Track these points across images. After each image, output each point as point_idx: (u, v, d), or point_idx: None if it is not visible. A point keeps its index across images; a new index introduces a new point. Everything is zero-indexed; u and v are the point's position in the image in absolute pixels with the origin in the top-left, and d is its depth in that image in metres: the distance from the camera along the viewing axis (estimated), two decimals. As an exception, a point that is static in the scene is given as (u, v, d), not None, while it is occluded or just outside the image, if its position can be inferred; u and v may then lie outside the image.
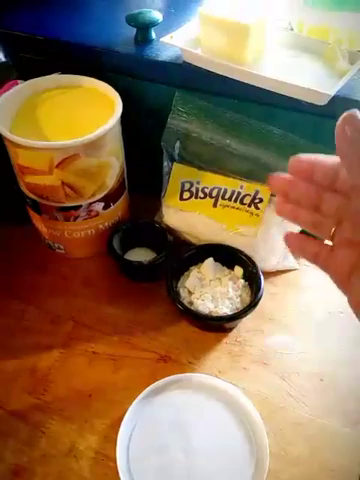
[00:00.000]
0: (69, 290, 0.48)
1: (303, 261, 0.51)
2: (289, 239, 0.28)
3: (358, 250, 0.25)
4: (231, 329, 0.45)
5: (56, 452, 0.38)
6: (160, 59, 0.44)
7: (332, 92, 0.38)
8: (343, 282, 0.26)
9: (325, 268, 0.27)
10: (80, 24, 0.49)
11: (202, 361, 0.43)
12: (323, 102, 0.39)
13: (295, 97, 0.40)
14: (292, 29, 0.46)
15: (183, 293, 0.46)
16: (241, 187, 0.47)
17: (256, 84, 0.41)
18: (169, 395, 0.40)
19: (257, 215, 0.47)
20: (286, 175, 0.26)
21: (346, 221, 0.25)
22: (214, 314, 0.43)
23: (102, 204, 0.46)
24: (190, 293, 0.46)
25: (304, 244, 0.27)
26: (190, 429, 0.38)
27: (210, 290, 0.45)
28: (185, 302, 0.44)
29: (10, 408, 0.40)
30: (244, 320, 0.45)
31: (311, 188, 0.25)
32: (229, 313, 0.43)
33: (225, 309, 0.44)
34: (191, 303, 0.44)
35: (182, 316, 0.45)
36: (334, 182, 0.25)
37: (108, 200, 0.47)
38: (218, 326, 0.45)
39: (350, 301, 0.25)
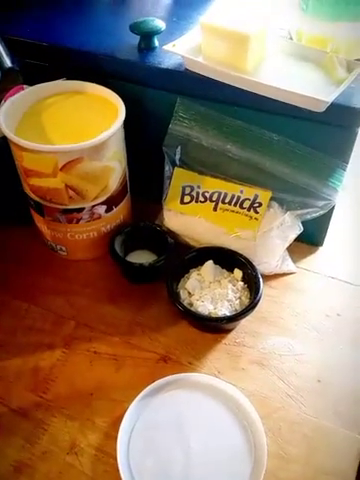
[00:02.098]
0: (71, 291, 0.49)
1: (301, 265, 0.52)
2: None
3: None
4: (230, 330, 0.46)
5: (57, 449, 0.38)
6: (163, 66, 0.45)
7: (330, 99, 0.39)
8: None
9: None
10: (85, 31, 0.51)
11: (202, 361, 0.44)
12: (321, 109, 0.40)
13: (294, 104, 0.41)
14: (291, 38, 0.47)
15: (183, 295, 0.46)
16: (241, 191, 0.48)
17: (256, 91, 0.42)
18: (169, 394, 0.41)
19: (256, 219, 0.48)
20: None
21: None
22: (213, 315, 0.44)
23: (104, 207, 0.47)
24: (190, 295, 0.46)
25: None
26: (189, 428, 0.39)
27: (210, 292, 0.46)
28: (185, 303, 0.45)
29: (13, 406, 0.41)
30: (243, 322, 0.46)
31: None
32: (228, 314, 0.44)
33: (224, 310, 0.44)
34: (191, 304, 0.45)
35: (182, 317, 0.46)
36: None
37: (110, 203, 0.48)
38: (217, 327, 0.46)
39: None
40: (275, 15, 0.47)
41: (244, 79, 0.41)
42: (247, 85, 0.42)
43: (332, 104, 0.40)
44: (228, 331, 0.46)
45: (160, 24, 0.45)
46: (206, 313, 0.44)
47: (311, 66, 0.44)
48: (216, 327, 0.46)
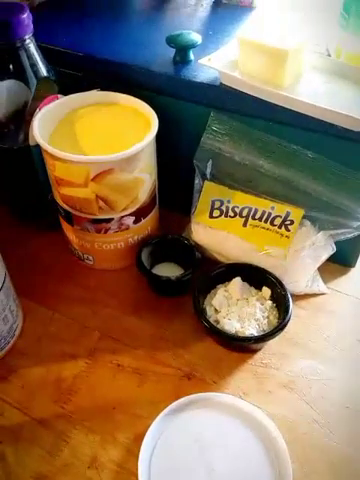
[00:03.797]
0: (96, 301, 0.49)
1: (332, 285, 0.51)
2: None
3: None
4: (257, 351, 0.45)
5: (78, 462, 0.38)
6: (198, 80, 0.44)
7: (369, 118, 0.38)
8: None
9: None
10: (120, 42, 0.51)
11: (226, 381, 0.43)
12: (359, 128, 0.39)
13: (331, 122, 0.40)
14: (329, 55, 0.46)
15: (209, 311, 0.46)
16: (272, 208, 0.47)
17: (293, 108, 0.41)
18: (192, 413, 0.40)
19: (287, 237, 0.47)
20: None
21: None
22: (240, 334, 0.43)
23: (133, 218, 0.47)
24: (216, 311, 0.46)
25: None
26: (212, 450, 0.38)
27: (237, 309, 0.45)
28: (211, 320, 0.44)
29: (34, 415, 0.40)
30: (270, 342, 0.45)
31: None
32: (256, 334, 0.43)
33: (252, 330, 0.43)
34: (217, 321, 0.44)
35: (207, 334, 0.45)
36: None
37: (139, 214, 0.48)
38: (244, 347, 0.45)
39: None
40: (313, 31, 0.46)
41: (281, 95, 0.40)
42: (284, 101, 0.41)
43: (371, 122, 0.39)
44: (255, 351, 0.45)
45: (196, 38, 0.45)
46: (233, 331, 0.43)
47: (349, 84, 0.43)
48: (243, 347, 0.45)
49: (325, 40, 0.48)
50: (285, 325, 0.43)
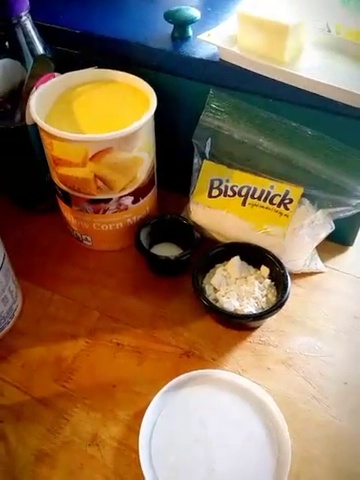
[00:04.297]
0: (95, 281, 0.49)
1: (330, 264, 0.51)
2: None
3: None
4: (255, 328, 0.45)
5: (79, 440, 0.38)
6: (196, 56, 0.44)
7: (370, 94, 0.38)
8: None
9: None
10: (117, 19, 0.50)
11: (225, 358, 0.43)
12: (360, 104, 0.39)
13: (333, 98, 0.40)
14: (330, 31, 0.46)
15: (208, 290, 0.46)
16: (271, 187, 0.47)
17: (294, 84, 0.41)
18: (192, 390, 0.40)
19: (286, 216, 0.47)
20: None
21: None
22: (239, 312, 0.43)
23: (131, 198, 0.47)
24: (215, 290, 0.46)
25: None
26: (212, 425, 0.38)
27: (236, 288, 0.45)
28: (210, 299, 0.44)
29: (35, 394, 0.41)
30: (268, 320, 0.45)
31: None
32: (254, 312, 0.43)
33: (250, 308, 0.44)
34: (216, 300, 0.45)
35: (206, 312, 0.46)
36: None
37: (138, 194, 0.47)
38: (242, 324, 0.45)
39: None
40: (314, 7, 0.46)
41: (282, 71, 0.40)
42: (285, 77, 0.40)
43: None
44: (253, 329, 0.45)
45: (195, 13, 0.44)
46: (232, 310, 0.43)
47: (350, 60, 0.42)
48: (241, 324, 0.45)
49: (325, 16, 0.47)
50: (283, 303, 0.43)
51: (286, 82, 0.41)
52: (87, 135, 0.41)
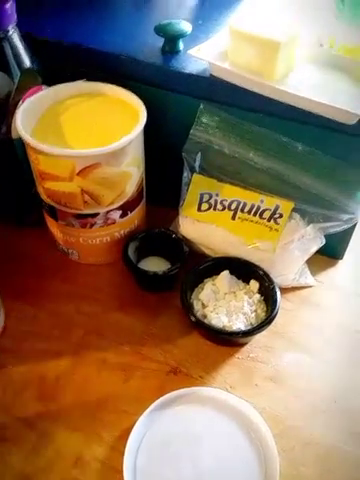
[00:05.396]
0: (81, 296, 0.48)
1: (320, 278, 0.50)
2: None
3: None
4: (244, 344, 0.45)
5: (63, 461, 0.37)
6: (187, 71, 0.43)
7: (360, 112, 0.38)
8: None
9: None
10: (107, 32, 0.49)
11: (213, 375, 0.42)
12: (352, 122, 0.39)
13: (323, 115, 0.39)
14: (322, 45, 0.45)
15: (197, 305, 0.45)
16: (261, 201, 0.47)
17: (284, 100, 0.40)
18: (179, 408, 0.39)
19: (276, 230, 0.47)
20: None
21: None
22: (228, 329, 0.43)
23: (120, 212, 0.46)
24: (204, 306, 0.45)
25: None
26: (199, 445, 0.38)
27: (225, 304, 0.45)
28: (199, 315, 0.44)
29: (18, 414, 0.40)
30: (257, 336, 0.45)
31: None
32: (243, 328, 0.43)
33: (239, 324, 0.43)
34: (205, 316, 0.44)
35: (195, 329, 0.45)
36: None
37: (126, 208, 0.47)
38: (231, 341, 0.44)
39: None
40: (306, 21, 0.46)
41: (272, 88, 0.40)
42: (275, 94, 0.40)
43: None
44: (242, 345, 0.45)
45: (186, 27, 0.44)
46: (220, 326, 0.43)
47: (343, 76, 0.42)
48: (230, 341, 0.44)
49: (318, 31, 0.47)
50: (272, 319, 0.43)
51: (277, 99, 0.41)
52: (74, 150, 0.41)
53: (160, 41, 0.45)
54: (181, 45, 0.45)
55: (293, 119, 0.42)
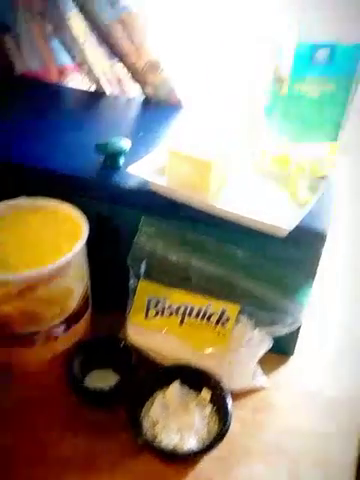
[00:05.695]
0: (19, 420, 0.44)
1: (272, 376, 0.50)
2: None
3: None
4: (198, 461, 0.42)
5: None
6: (127, 187, 0.45)
7: (290, 227, 0.40)
8: None
9: None
10: (47, 148, 0.50)
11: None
12: (283, 235, 0.41)
13: (255, 229, 0.41)
14: (255, 157, 0.48)
15: (146, 424, 0.43)
16: (208, 305, 0.47)
17: (219, 215, 0.42)
18: None
19: (224, 334, 0.46)
20: None
21: None
22: (179, 449, 0.41)
23: (63, 327, 0.45)
24: (154, 424, 0.43)
25: None
26: None
27: (176, 419, 0.43)
28: (148, 435, 0.42)
29: None
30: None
31: None
32: (194, 449, 0.41)
33: (191, 441, 0.41)
34: (155, 436, 0.42)
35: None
36: None
37: (70, 322, 0.45)
38: (183, 461, 0.42)
39: None
40: (239, 135, 0.49)
41: (206, 204, 0.41)
42: (209, 210, 0.42)
43: (296, 227, 0.40)
44: (196, 462, 0.42)
45: (125, 145, 0.46)
46: (171, 447, 0.41)
47: (275, 187, 0.45)
48: (182, 461, 0.42)
49: (251, 144, 0.50)
50: (224, 434, 0.41)
51: (212, 213, 0.42)
52: (9, 275, 0.39)
53: (101, 156, 0.47)
54: (121, 161, 0.47)
55: (230, 229, 0.43)
